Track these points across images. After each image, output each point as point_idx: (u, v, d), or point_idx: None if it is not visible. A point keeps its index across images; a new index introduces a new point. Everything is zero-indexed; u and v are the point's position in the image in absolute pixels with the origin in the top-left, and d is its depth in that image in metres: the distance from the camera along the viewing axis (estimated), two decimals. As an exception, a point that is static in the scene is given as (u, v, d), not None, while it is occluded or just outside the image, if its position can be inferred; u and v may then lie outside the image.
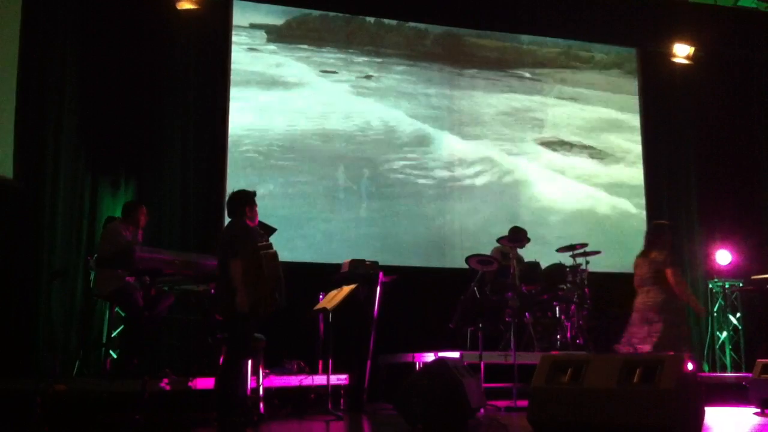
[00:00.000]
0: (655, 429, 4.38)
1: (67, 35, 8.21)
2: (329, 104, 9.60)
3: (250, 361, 5.92)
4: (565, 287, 8.39)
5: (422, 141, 9.87)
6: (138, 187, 8.47)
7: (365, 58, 9.92)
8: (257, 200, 5.89)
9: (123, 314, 7.03)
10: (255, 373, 6.08)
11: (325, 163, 9.41)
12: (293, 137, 9.33)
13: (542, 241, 9.30)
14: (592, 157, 10.45)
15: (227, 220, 5.94)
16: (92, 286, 7.25)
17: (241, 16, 9.42)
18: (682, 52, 10.64)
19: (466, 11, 10.05)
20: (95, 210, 8.21)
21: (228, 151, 9.00)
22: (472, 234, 9.57)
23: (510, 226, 8.78)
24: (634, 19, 10.55)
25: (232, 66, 9.24)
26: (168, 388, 6.25)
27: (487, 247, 8.67)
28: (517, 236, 8.42)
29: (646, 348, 6.51)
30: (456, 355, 7.32)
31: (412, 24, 10.19)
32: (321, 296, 7.16)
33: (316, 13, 9.84)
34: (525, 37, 10.58)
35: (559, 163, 10.34)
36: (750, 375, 7.39)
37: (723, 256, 10.15)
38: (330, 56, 9.78)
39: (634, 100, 10.82)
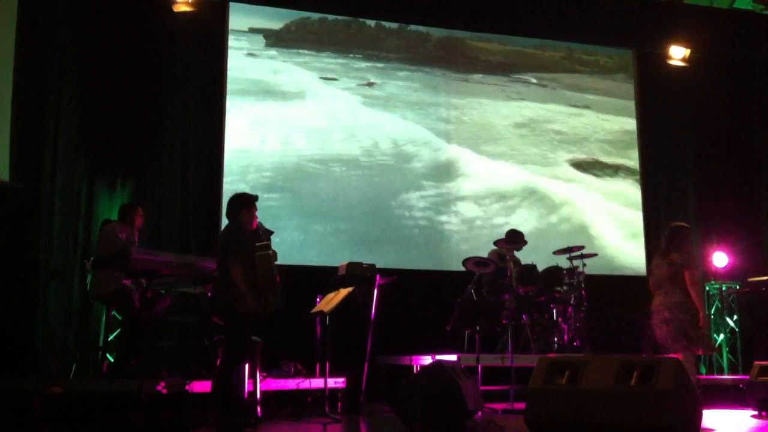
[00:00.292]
0: (653, 429, 4.39)
1: (65, 36, 8.21)
2: (330, 117, 9.51)
3: (247, 364, 5.92)
4: (562, 289, 8.40)
5: (440, 168, 9.75)
6: (135, 188, 8.46)
7: (366, 63, 9.84)
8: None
9: (120, 316, 7.02)
10: (252, 375, 6.07)
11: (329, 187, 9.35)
12: (290, 151, 9.31)
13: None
14: (592, 158, 10.48)
15: (225, 221, 5.95)
16: (89, 287, 7.24)
17: (238, 19, 9.39)
18: (678, 54, 10.66)
19: (463, 13, 10.03)
20: (92, 211, 8.21)
21: (225, 153, 8.99)
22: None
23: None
24: (631, 21, 10.56)
25: (229, 68, 9.21)
26: (165, 391, 6.24)
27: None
28: (515, 238, 8.43)
29: (670, 349, 6.56)
30: (453, 357, 7.32)
31: (412, 27, 10.14)
32: (318, 299, 7.16)
33: (315, 16, 9.79)
34: (523, 40, 10.56)
35: (579, 175, 10.36)
36: (747, 377, 7.40)
37: (720, 258, 10.16)
38: (330, 61, 9.71)
39: (631, 102, 10.82)
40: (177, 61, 8.90)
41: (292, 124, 9.36)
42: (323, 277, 7.72)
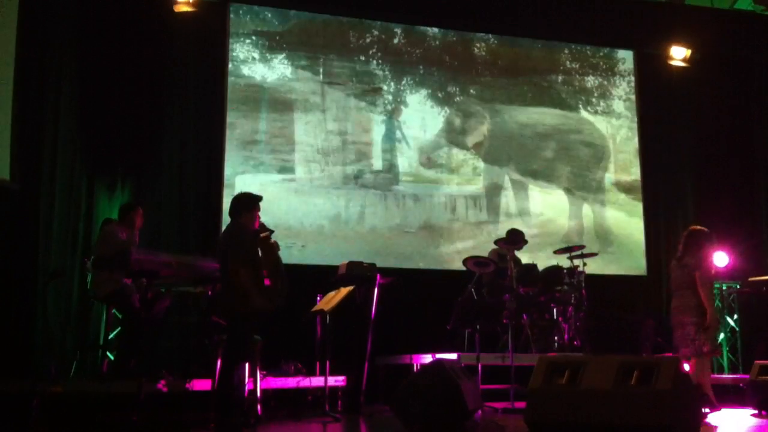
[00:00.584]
0: (653, 429, 4.39)
1: (65, 36, 8.21)
2: (331, 119, 9.48)
3: (247, 364, 5.93)
4: (562, 289, 8.39)
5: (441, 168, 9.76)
6: (135, 188, 8.46)
7: (374, 68, 9.79)
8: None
9: (120, 316, 7.02)
10: (252, 374, 6.07)
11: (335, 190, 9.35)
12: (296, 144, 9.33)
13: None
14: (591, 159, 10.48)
15: (225, 221, 5.96)
16: (89, 288, 7.24)
17: (238, 19, 9.38)
18: (679, 54, 10.65)
19: (463, 14, 10.02)
20: (92, 212, 8.21)
21: (225, 153, 8.99)
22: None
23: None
24: (631, 22, 10.55)
25: (230, 68, 9.20)
26: (165, 390, 6.25)
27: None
28: (515, 238, 8.44)
29: (683, 351, 6.58)
30: (453, 356, 7.32)
31: (419, 28, 10.08)
32: (318, 298, 7.16)
33: (319, 17, 9.71)
34: (525, 41, 10.54)
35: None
36: (747, 377, 7.40)
37: (720, 258, 10.15)
38: (333, 64, 9.62)
39: (631, 103, 10.82)
40: (177, 61, 8.90)
41: (293, 125, 9.34)
42: (323, 277, 7.73)
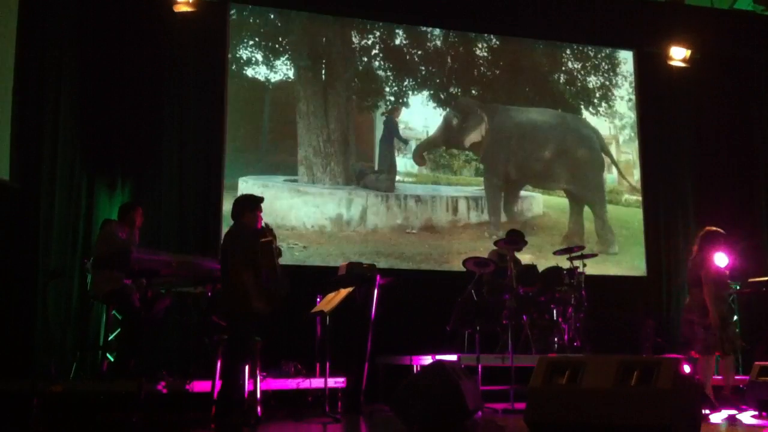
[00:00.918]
0: (653, 429, 4.39)
1: (65, 36, 8.20)
2: (331, 120, 9.44)
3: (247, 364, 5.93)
4: (562, 289, 8.39)
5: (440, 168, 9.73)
6: (135, 188, 8.45)
7: (375, 68, 9.76)
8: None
9: (120, 316, 7.02)
10: (252, 375, 6.07)
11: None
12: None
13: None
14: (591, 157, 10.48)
15: (225, 221, 5.97)
16: (89, 287, 7.24)
17: (239, 19, 9.38)
18: (679, 54, 10.64)
19: (464, 14, 10.00)
20: (92, 212, 8.19)
21: (225, 153, 8.99)
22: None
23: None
24: (631, 22, 10.54)
25: (230, 68, 9.20)
26: (165, 391, 6.24)
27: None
28: (515, 238, 8.43)
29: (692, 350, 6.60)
30: (453, 357, 7.31)
31: (421, 28, 10.05)
32: (318, 299, 7.16)
33: (320, 18, 9.68)
34: (526, 41, 10.53)
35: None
36: (747, 377, 7.39)
37: (720, 259, 10.13)
38: (337, 64, 9.61)
39: (631, 102, 10.82)
40: (177, 61, 8.89)
41: (294, 125, 9.34)
42: (323, 278, 7.72)
